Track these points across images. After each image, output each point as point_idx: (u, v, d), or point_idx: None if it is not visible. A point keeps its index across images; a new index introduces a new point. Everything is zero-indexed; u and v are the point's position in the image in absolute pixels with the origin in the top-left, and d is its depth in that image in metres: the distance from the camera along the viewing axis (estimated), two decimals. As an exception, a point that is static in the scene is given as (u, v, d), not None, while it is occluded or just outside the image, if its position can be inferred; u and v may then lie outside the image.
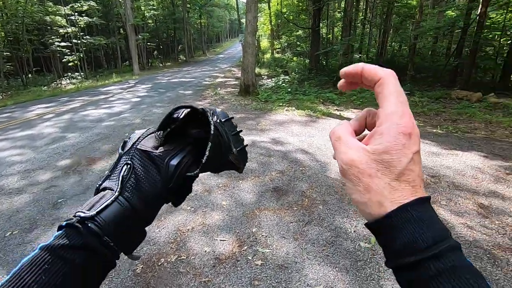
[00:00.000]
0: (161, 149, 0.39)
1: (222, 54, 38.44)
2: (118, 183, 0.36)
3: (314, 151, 4.33)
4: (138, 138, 0.40)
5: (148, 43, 26.48)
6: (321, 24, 14.98)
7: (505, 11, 11.16)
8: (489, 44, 12.15)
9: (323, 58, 15.18)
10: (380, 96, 0.30)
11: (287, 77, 13.30)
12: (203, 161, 0.38)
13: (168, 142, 0.41)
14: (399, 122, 0.28)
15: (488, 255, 2.14)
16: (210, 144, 0.39)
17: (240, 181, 3.40)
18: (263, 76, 14.77)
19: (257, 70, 15.94)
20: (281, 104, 7.75)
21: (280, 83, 11.82)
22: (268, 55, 23.27)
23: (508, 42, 10.83)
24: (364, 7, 16.82)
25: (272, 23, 22.78)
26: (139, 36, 22.72)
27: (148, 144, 0.39)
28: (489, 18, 11.07)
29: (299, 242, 2.32)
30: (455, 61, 10.96)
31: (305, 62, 16.41)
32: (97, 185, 0.37)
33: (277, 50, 24.74)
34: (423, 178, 0.28)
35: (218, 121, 0.41)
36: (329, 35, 19.25)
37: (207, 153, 0.38)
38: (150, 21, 27.82)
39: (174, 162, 0.39)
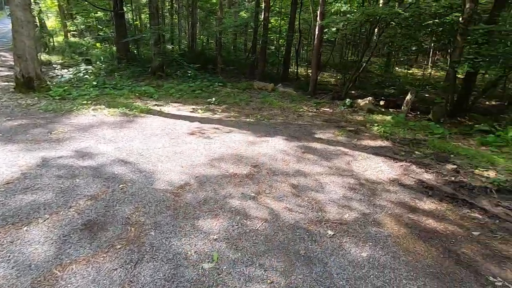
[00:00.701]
0: None
1: (-20, 31, 27.09)
2: None
3: (136, 159, 3.67)
4: None
5: None
6: (125, 8, 13.37)
7: (279, 18, 14.19)
8: (272, 44, 15.23)
9: (134, 46, 13.79)
10: None
11: (90, 67, 11.04)
12: None
13: None
14: None
15: (307, 233, 2.47)
16: None
17: (25, 227, 2.29)
18: (55, 65, 11.56)
19: (45, 56, 12.32)
20: (85, 102, 6.23)
21: (82, 74, 9.62)
22: (60, 38, 18.55)
23: (284, 43, 13.92)
24: (170, -4, 16.52)
25: (59, -3, 18.15)
26: None
27: None
28: (270, 22, 13.73)
29: (129, 296, 1.76)
30: (252, 56, 12.92)
31: (112, 50, 14.30)
32: None
33: (72, 32, 20.20)
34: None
35: None
36: (137, 22, 17.72)
37: None
38: None
39: None
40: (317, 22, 8.51)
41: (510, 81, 9.61)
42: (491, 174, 3.81)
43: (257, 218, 2.63)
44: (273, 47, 15.59)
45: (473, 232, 2.64)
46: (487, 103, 9.20)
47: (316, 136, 5.15)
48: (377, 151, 4.51)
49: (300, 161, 3.97)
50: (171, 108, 6.56)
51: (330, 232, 2.49)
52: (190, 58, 12.71)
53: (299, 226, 2.56)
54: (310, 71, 11.21)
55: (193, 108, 6.64)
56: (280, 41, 14.91)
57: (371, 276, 2.05)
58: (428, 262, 2.22)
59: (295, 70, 13.75)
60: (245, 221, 2.57)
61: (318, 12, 8.52)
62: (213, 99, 7.53)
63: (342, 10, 7.95)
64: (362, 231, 2.55)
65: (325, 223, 2.62)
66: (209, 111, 6.54)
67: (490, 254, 2.36)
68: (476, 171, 3.91)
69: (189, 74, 10.51)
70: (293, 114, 6.73)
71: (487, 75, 10.06)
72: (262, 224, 2.55)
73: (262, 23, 11.89)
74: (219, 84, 9.61)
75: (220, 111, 6.63)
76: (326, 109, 7.56)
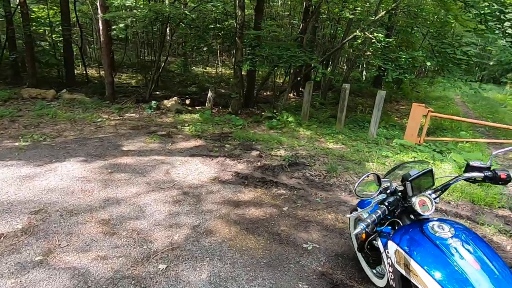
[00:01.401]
0: None
1: None
2: None
3: None
4: None
5: None
6: None
7: (46, 6, 11.22)
8: (43, 39, 11.92)
9: None
10: None
11: None
12: None
13: None
14: None
15: (133, 281, 1.92)
16: None
17: None
18: None
19: None
20: None
21: None
22: None
23: (60, 39, 11.24)
24: None
25: None
26: None
27: None
28: (32, 10, 10.59)
29: None
30: (12, 54, 9.55)
31: None
32: None
33: None
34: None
35: None
36: None
37: None
38: None
39: None
40: (99, 16, 7.32)
41: (275, 76, 12.53)
42: (282, 152, 4.69)
43: (51, 294, 1.77)
44: (46, 44, 12.24)
45: (283, 208, 3.05)
46: (265, 93, 11.59)
47: (125, 148, 4.41)
48: (193, 152, 4.44)
49: (109, 185, 3.20)
50: None
51: (162, 266, 2.08)
52: None
53: (120, 275, 1.96)
54: (103, 72, 9.69)
55: None
56: (53, 36, 11.91)
57: (216, 299, 1.85)
58: (260, 254, 2.32)
59: (84, 72, 11.56)
60: (28, 309, 1.66)
61: (98, 4, 7.32)
62: None
63: (126, 4, 7.22)
64: (196, 248, 2.31)
65: (154, 257, 2.17)
66: None
67: (298, 223, 2.80)
68: (272, 153, 4.68)
69: None
70: (90, 126, 5.49)
71: (260, 72, 12.64)
72: (61, 300, 1.74)
73: (20, 10, 8.89)
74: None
75: (-40, 137, 4.32)
76: (131, 115, 6.75)
